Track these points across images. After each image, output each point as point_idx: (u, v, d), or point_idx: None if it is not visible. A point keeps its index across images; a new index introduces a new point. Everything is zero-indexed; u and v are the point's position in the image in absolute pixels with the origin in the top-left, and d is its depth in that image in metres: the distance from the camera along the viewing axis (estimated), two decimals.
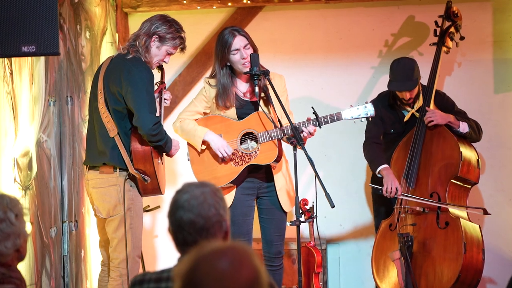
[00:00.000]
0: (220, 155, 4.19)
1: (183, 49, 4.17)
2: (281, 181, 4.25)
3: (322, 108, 5.53)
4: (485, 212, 4.66)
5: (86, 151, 4.19)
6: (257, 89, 4.08)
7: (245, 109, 4.25)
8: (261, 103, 4.20)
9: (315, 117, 4.11)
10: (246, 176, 4.24)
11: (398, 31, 5.52)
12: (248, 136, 4.22)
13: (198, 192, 2.25)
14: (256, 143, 4.21)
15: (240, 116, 4.24)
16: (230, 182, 4.21)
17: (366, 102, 4.20)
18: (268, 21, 5.62)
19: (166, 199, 5.07)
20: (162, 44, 4.08)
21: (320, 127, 4.14)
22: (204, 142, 4.24)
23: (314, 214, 4.35)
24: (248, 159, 4.20)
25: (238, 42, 4.15)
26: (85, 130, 4.65)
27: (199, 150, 4.26)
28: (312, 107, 4.11)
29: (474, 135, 4.77)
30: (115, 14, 5.49)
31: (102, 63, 4.21)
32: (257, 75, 4.08)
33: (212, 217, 2.23)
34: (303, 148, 3.92)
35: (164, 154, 4.21)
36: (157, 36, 4.06)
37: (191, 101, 4.37)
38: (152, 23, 4.08)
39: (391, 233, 4.71)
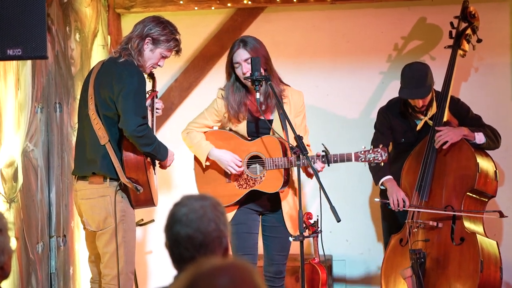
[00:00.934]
0: (232, 172, 4.16)
1: (178, 51, 4.18)
2: (288, 205, 4.23)
3: (327, 116, 5.54)
4: (501, 215, 4.59)
5: (75, 160, 4.18)
6: (258, 95, 4.05)
7: (256, 125, 4.23)
8: (273, 121, 4.19)
9: (324, 154, 4.07)
10: (250, 198, 4.22)
11: (408, 34, 5.52)
12: (255, 159, 4.20)
13: (198, 206, 2.23)
14: (263, 168, 4.19)
15: (250, 133, 4.22)
16: (232, 204, 4.20)
17: (380, 146, 4.13)
18: (270, 23, 5.62)
19: (159, 212, 5.06)
20: (156, 46, 4.08)
21: (329, 165, 4.08)
22: (208, 159, 4.22)
23: (319, 229, 4.34)
24: (253, 183, 4.19)
25: (239, 55, 4.13)
26: (74, 139, 4.63)
27: (204, 166, 4.25)
28: (323, 144, 4.06)
29: (492, 144, 4.74)
30: (107, 15, 5.49)
31: (93, 67, 4.21)
32: (258, 80, 4.06)
33: (212, 233, 2.21)
34: (307, 159, 3.90)
35: (158, 164, 4.20)
36: (150, 38, 4.06)
37: (202, 111, 4.35)
38: (145, 24, 4.09)
39: (402, 249, 4.68)
